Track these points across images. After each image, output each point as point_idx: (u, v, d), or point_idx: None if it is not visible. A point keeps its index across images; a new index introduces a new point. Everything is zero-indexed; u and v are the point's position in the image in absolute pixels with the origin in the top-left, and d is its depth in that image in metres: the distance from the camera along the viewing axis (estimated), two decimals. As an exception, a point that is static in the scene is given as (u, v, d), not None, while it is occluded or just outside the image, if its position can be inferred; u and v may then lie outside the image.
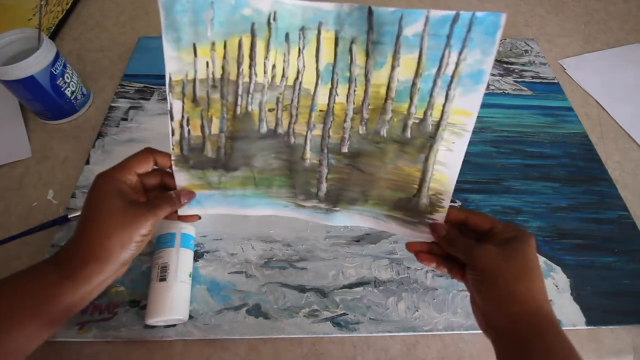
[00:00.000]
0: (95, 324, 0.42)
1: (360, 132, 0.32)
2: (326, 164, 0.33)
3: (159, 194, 0.35)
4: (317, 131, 0.33)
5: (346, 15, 0.28)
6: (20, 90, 0.53)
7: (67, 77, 0.57)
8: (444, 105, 0.29)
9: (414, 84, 0.29)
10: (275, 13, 0.29)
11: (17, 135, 0.58)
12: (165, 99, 0.62)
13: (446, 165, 0.31)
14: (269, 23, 0.29)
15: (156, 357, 0.41)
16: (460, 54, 0.27)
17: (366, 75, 0.30)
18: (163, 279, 0.41)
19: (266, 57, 0.31)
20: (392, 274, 0.47)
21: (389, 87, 0.30)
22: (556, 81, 0.68)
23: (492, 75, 0.68)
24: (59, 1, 0.78)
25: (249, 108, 0.33)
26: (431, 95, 0.29)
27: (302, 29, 0.29)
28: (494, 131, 0.61)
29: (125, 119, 0.60)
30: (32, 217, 0.50)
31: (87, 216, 0.30)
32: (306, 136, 0.33)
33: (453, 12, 0.26)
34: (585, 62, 0.72)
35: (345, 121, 0.32)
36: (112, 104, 0.62)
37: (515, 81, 0.68)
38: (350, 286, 0.46)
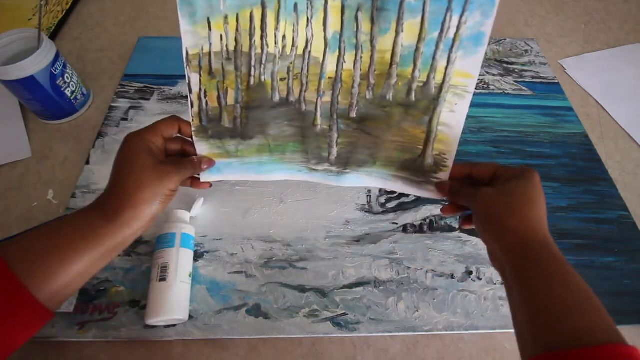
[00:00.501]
0: (95, 324, 0.42)
1: (368, 97, 0.34)
2: (336, 129, 0.35)
3: (181, 158, 0.38)
4: (327, 98, 0.34)
5: None
6: (20, 90, 0.53)
7: (67, 77, 0.57)
8: (446, 68, 0.30)
9: (417, 48, 0.30)
10: None
11: (17, 135, 0.58)
12: (165, 99, 0.62)
13: (449, 126, 0.33)
14: None
15: (156, 357, 0.41)
16: (461, 17, 0.28)
17: (372, 42, 0.31)
18: (163, 279, 0.41)
19: (276, 28, 0.32)
20: (392, 274, 0.47)
21: (393, 52, 0.31)
22: (556, 81, 0.68)
23: (492, 75, 0.68)
24: (59, 1, 0.78)
25: (262, 78, 0.34)
26: (434, 59, 0.30)
27: (310, 0, 0.31)
28: (494, 131, 0.61)
29: (125, 119, 0.60)
30: (32, 217, 0.50)
31: (121, 169, 0.33)
32: (316, 103, 0.35)
33: None
34: (585, 62, 0.72)
35: (353, 87, 0.33)
36: (112, 104, 0.62)
37: (515, 81, 0.68)
38: (350, 286, 0.46)
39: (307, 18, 0.31)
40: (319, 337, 0.43)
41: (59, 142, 0.58)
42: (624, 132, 0.62)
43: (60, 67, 0.55)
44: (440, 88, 0.31)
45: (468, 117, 0.61)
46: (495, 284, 0.46)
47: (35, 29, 0.54)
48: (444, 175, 0.35)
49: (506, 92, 0.66)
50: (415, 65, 0.31)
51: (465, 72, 0.30)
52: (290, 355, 0.42)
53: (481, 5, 0.28)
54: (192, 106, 0.35)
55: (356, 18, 0.30)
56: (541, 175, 0.55)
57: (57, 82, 0.55)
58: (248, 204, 0.52)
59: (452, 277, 0.47)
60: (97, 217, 0.31)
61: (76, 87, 0.59)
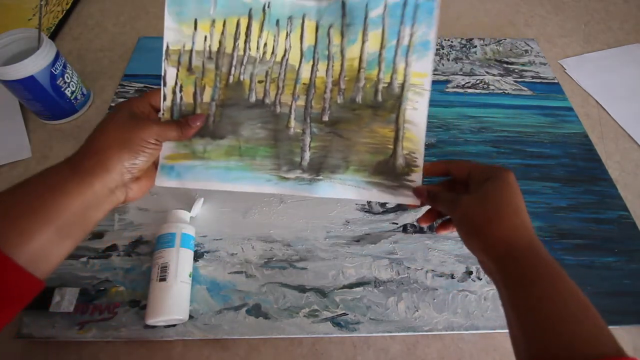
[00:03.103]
0: (95, 324, 0.42)
1: (339, 101, 0.37)
2: (309, 133, 0.37)
3: None
4: (301, 102, 0.37)
5: (324, 9, 0.36)
6: (20, 90, 0.53)
7: (67, 77, 0.57)
8: (405, 69, 0.36)
9: (380, 54, 0.36)
10: (269, 3, 0.35)
11: (17, 135, 0.58)
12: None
13: (414, 123, 0.36)
14: (264, 9, 0.35)
15: (156, 357, 0.41)
16: (412, 28, 0.35)
17: (342, 52, 0.36)
18: (163, 279, 0.41)
19: (259, 36, 0.36)
20: (392, 274, 0.47)
21: (361, 59, 0.36)
22: (556, 81, 0.68)
23: (492, 75, 0.68)
24: (59, 1, 0.78)
25: (241, 77, 0.36)
26: (394, 62, 0.36)
27: (290, 17, 0.36)
28: (494, 131, 0.61)
29: (125, 119, 0.60)
30: (32, 217, 0.50)
31: (96, 127, 0.32)
32: (291, 106, 0.37)
33: None
34: (585, 62, 0.72)
35: (325, 92, 0.37)
36: (112, 104, 0.62)
37: (515, 81, 0.68)
38: (350, 286, 0.46)
39: (287, 32, 0.36)
40: (319, 337, 0.43)
41: (59, 142, 0.58)
42: (624, 132, 0.62)
43: (60, 67, 0.55)
44: (402, 87, 0.36)
45: (469, 116, 0.62)
46: (495, 284, 0.46)
47: (35, 29, 0.54)
48: (416, 177, 0.36)
49: (506, 92, 0.66)
50: (379, 68, 0.36)
51: (420, 72, 0.36)
52: (290, 355, 0.42)
53: (425, 19, 0.35)
54: (164, 99, 0.35)
55: (328, 34, 0.36)
56: (541, 175, 0.56)
57: (57, 82, 0.55)
58: (248, 204, 0.52)
59: (452, 277, 0.47)
60: (63, 169, 0.30)
61: (76, 87, 0.59)
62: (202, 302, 0.44)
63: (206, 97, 0.36)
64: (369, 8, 0.35)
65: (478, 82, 0.67)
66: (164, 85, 0.35)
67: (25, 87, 0.53)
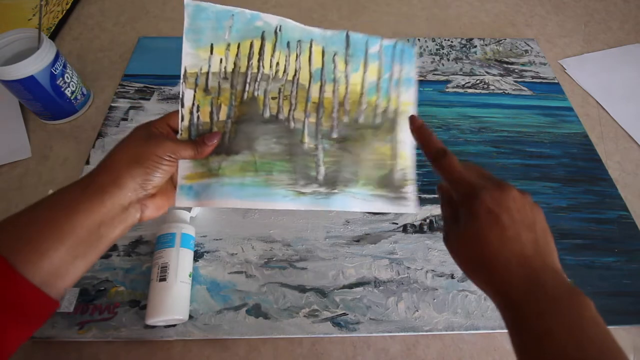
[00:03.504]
0: (95, 324, 0.42)
1: (345, 120, 0.39)
2: (321, 148, 0.38)
3: None
4: (312, 119, 0.39)
5: (329, 37, 0.40)
6: (20, 90, 0.53)
7: (67, 77, 0.57)
8: (397, 98, 0.40)
9: (377, 83, 0.40)
10: (280, 26, 0.38)
11: (17, 135, 0.58)
12: (165, 99, 0.62)
13: (405, 143, 0.40)
14: (275, 32, 0.38)
15: (156, 357, 0.41)
16: (400, 65, 0.41)
17: (346, 77, 0.40)
18: (163, 279, 0.41)
19: (272, 55, 0.38)
20: (392, 274, 0.47)
21: (362, 86, 0.40)
22: (556, 81, 0.68)
23: (492, 75, 0.68)
24: (59, 1, 0.78)
25: (255, 93, 0.38)
26: (388, 91, 0.40)
27: (299, 41, 0.39)
28: (494, 131, 0.61)
29: (125, 119, 0.60)
30: (32, 217, 0.50)
31: (113, 147, 0.32)
32: (304, 122, 0.38)
33: (394, 41, 0.40)
34: (585, 62, 0.72)
35: (333, 112, 0.39)
36: (112, 104, 0.62)
37: (515, 81, 0.68)
38: (350, 286, 0.46)
39: (297, 54, 0.39)
40: (319, 337, 0.43)
41: (59, 142, 0.58)
42: (624, 132, 0.62)
43: (60, 67, 0.55)
44: (395, 112, 0.40)
45: (469, 116, 0.63)
46: (495, 284, 0.46)
47: (35, 29, 0.54)
48: (410, 189, 0.39)
49: (506, 92, 0.66)
50: (378, 95, 0.40)
51: (407, 102, 0.40)
52: (290, 355, 0.42)
53: (408, 60, 0.41)
54: (182, 119, 0.36)
55: (334, 60, 0.39)
56: (541, 175, 0.56)
57: (57, 82, 0.55)
58: (248, 204, 0.52)
59: (452, 277, 0.47)
60: (74, 188, 0.29)
61: (76, 87, 0.59)
62: (202, 302, 0.44)
63: (222, 116, 0.37)
64: (368, 45, 0.40)
65: (478, 82, 0.67)
66: (182, 106, 0.36)
67: (25, 87, 0.53)
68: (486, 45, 0.73)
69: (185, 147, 0.33)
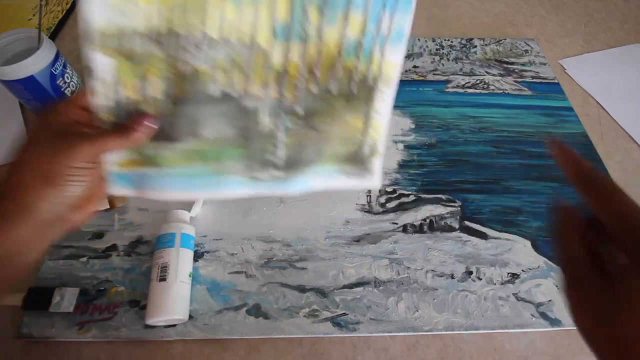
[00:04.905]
0: (95, 324, 0.42)
1: (314, 91, 0.32)
2: (283, 128, 0.32)
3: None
4: (273, 93, 0.31)
5: None
6: (20, 90, 0.53)
7: (67, 77, 0.57)
8: (380, 60, 0.32)
9: (359, 42, 0.31)
10: None
11: (17, 135, 0.58)
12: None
13: (381, 113, 0.34)
14: None
15: (156, 357, 0.41)
16: (392, 12, 0.30)
17: (319, 34, 0.30)
18: (163, 279, 0.41)
19: (220, 9, 0.28)
20: (392, 274, 0.47)
21: (339, 44, 0.31)
22: (556, 81, 0.68)
23: (492, 75, 0.68)
24: (59, 1, 0.78)
25: (199, 66, 0.29)
26: (371, 51, 0.31)
27: None
28: (494, 131, 0.61)
29: (125, 119, 0.60)
30: (32, 217, 0.50)
31: (15, 152, 0.26)
32: (262, 97, 0.31)
33: None
34: (585, 62, 0.72)
35: (299, 81, 0.31)
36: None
37: (515, 81, 0.68)
38: (350, 286, 0.46)
39: (254, 3, 0.28)
40: (319, 337, 0.43)
41: (59, 142, 0.58)
42: (624, 132, 0.62)
43: (60, 67, 0.55)
44: (376, 78, 0.32)
45: (469, 116, 0.62)
46: (495, 284, 0.46)
47: (35, 29, 0.54)
48: (378, 162, 0.35)
49: (506, 92, 0.66)
50: (358, 57, 0.31)
51: (393, 62, 0.32)
52: (290, 355, 0.42)
53: (404, 5, 0.30)
54: (98, 97, 0.28)
55: (304, 9, 0.29)
56: (541, 175, 0.56)
57: (57, 82, 0.55)
58: (248, 204, 0.52)
59: (452, 277, 0.47)
60: None
61: (76, 87, 0.59)
62: (202, 302, 0.44)
63: (156, 92, 0.29)
64: None
65: (478, 82, 0.67)
66: (96, 79, 0.28)
67: (25, 87, 0.53)
68: (486, 45, 0.74)
69: (106, 140, 0.27)
